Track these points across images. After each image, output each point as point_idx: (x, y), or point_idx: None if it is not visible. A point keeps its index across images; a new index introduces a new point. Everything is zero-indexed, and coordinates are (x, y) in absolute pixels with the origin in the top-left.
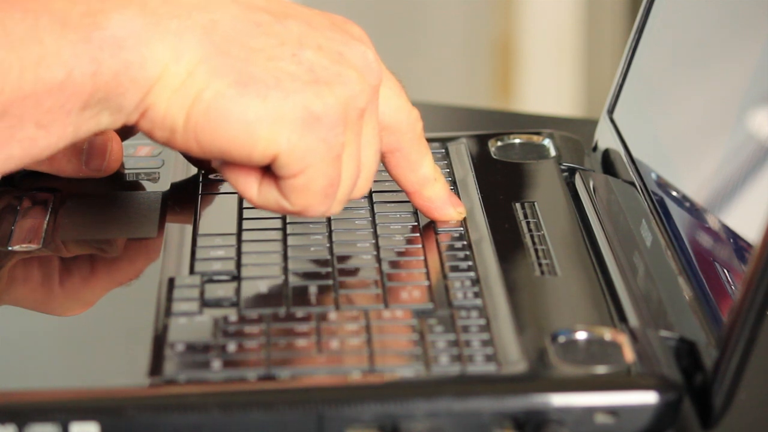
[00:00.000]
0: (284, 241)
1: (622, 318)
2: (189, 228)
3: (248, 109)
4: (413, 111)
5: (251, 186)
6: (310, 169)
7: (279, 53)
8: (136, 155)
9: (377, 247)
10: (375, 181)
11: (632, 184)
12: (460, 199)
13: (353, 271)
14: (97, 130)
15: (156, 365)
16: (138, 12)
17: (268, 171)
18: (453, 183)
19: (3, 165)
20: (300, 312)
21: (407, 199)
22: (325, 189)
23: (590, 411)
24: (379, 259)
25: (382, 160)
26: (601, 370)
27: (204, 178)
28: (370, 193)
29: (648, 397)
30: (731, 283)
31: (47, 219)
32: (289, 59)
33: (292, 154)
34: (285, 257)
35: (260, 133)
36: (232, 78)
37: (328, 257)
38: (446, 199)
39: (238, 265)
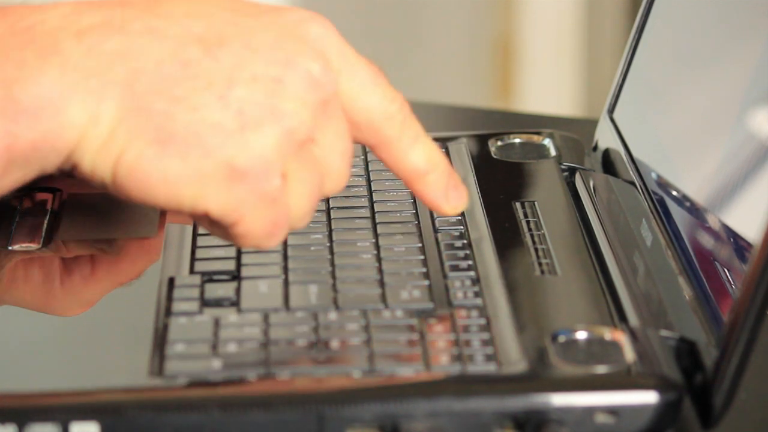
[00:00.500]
0: (284, 240)
1: (623, 318)
2: (189, 227)
3: (168, 170)
4: (391, 102)
5: (203, 222)
6: (245, 219)
7: (204, 100)
8: None
9: (377, 246)
10: (375, 180)
11: (632, 183)
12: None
13: (353, 271)
14: (23, 184)
15: (156, 365)
16: (57, 75)
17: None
18: None
19: None
20: (300, 311)
21: (407, 198)
22: (268, 230)
23: (590, 411)
24: (379, 259)
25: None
26: (601, 369)
27: None
28: (370, 192)
29: (648, 397)
30: (731, 282)
31: (47, 219)
32: (214, 105)
33: (222, 210)
34: (285, 257)
35: (184, 193)
36: (151, 137)
37: (328, 257)
38: (439, 193)
39: (238, 264)
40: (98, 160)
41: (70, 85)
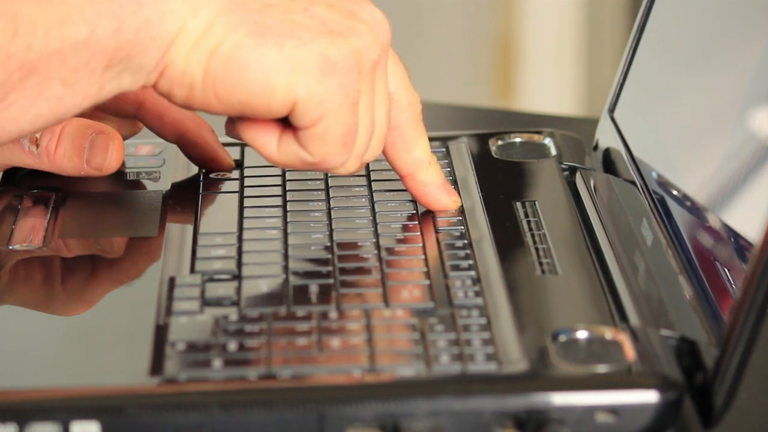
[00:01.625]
0: (285, 239)
1: (623, 317)
2: (190, 227)
3: (265, 58)
4: (414, 93)
5: (270, 142)
6: (328, 116)
7: (292, 8)
8: (136, 154)
9: (378, 246)
10: (375, 180)
11: (633, 183)
12: (459, 194)
13: (354, 270)
14: (118, 91)
15: (157, 364)
16: None
17: (287, 126)
18: (454, 182)
19: (32, 124)
20: (301, 311)
21: (408, 198)
22: (343, 137)
23: (591, 410)
24: (379, 258)
25: None
26: (601, 369)
27: (205, 177)
28: (371, 192)
29: (649, 397)
30: (732, 282)
31: (48, 218)
32: (302, 13)
33: (311, 101)
34: (286, 256)
35: (278, 81)
36: (248, 28)
37: (329, 256)
38: (441, 185)
39: (239, 264)
40: (194, 53)
41: None
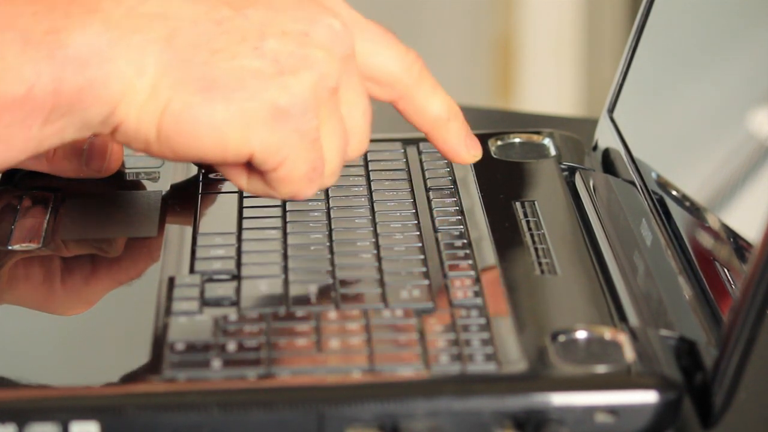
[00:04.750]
0: (284, 240)
1: (622, 317)
2: (189, 227)
3: (215, 114)
4: (406, 56)
5: (240, 178)
6: (288, 161)
7: (241, 50)
8: (136, 154)
9: (377, 246)
10: (375, 180)
11: (632, 183)
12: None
13: (353, 270)
14: (62, 142)
15: (156, 364)
16: (101, 28)
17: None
18: (453, 182)
19: None
20: (300, 311)
21: (407, 198)
22: (308, 174)
23: (590, 410)
24: (379, 258)
25: (395, 108)
26: (601, 369)
27: (204, 177)
28: (370, 192)
29: (648, 397)
30: (731, 282)
31: (47, 218)
32: (251, 55)
33: (267, 151)
34: (285, 256)
35: (231, 136)
36: (195, 85)
37: (328, 256)
38: (461, 140)
39: (238, 264)
40: (144, 113)
41: (115, 38)
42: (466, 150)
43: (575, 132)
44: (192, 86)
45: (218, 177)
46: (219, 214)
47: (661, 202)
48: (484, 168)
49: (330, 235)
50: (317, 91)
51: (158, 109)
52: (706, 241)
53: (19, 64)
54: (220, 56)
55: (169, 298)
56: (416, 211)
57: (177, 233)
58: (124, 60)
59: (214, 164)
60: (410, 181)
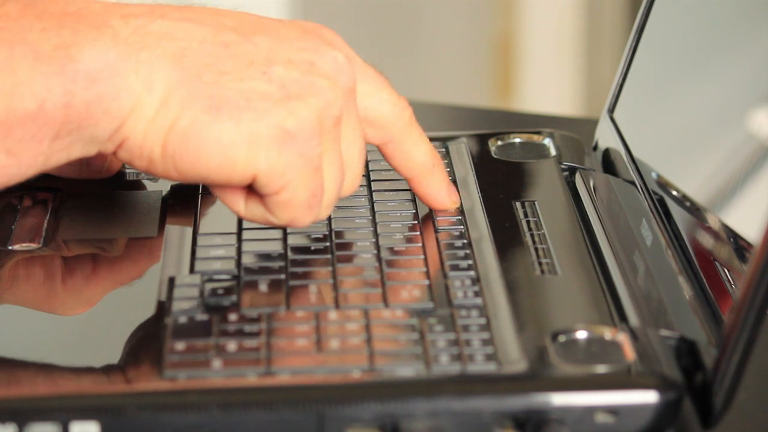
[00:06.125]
0: (284, 240)
1: (623, 317)
2: (189, 227)
3: (223, 134)
4: (399, 101)
5: (238, 203)
6: (290, 185)
7: (249, 73)
8: None
9: (377, 246)
10: (375, 180)
11: (632, 183)
12: (459, 194)
13: (353, 270)
14: (68, 160)
15: (156, 364)
16: (110, 44)
17: (253, 190)
18: (454, 182)
19: None
20: (300, 311)
21: (407, 198)
22: (308, 201)
23: (590, 410)
24: (379, 258)
25: (380, 151)
26: (601, 369)
27: None
28: (370, 192)
29: (648, 397)
30: (731, 282)
31: (47, 218)
32: (259, 78)
33: (271, 173)
34: (285, 256)
35: (237, 156)
36: (204, 104)
37: (328, 256)
38: (443, 187)
39: (239, 264)
40: (151, 129)
41: (124, 54)
42: (447, 197)
43: (575, 132)
44: (201, 104)
45: None
46: (219, 214)
47: (661, 202)
48: (485, 168)
49: (330, 235)
50: (322, 118)
51: (165, 125)
52: (706, 241)
53: (31, 79)
54: (228, 77)
55: (170, 297)
56: (416, 212)
57: (177, 233)
58: (133, 75)
59: (215, 185)
60: None
